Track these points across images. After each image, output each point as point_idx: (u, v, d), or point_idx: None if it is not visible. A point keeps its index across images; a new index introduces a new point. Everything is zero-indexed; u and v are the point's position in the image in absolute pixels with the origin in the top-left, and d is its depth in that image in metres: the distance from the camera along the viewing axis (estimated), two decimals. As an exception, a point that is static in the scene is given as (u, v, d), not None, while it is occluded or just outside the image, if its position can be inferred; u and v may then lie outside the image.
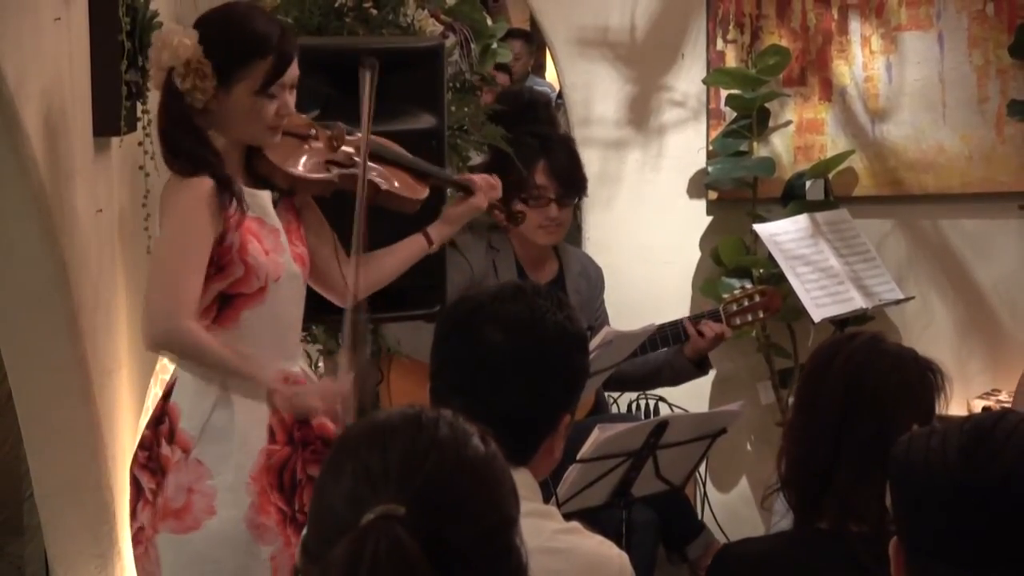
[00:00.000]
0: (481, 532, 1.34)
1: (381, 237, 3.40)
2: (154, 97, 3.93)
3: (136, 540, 3.17)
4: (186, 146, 3.10)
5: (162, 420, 3.15)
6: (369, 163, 3.30)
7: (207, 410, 3.10)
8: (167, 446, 3.11)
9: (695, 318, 4.57)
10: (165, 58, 3.06)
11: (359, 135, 3.30)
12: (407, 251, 3.44)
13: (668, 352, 4.56)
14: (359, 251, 3.22)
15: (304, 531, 1.40)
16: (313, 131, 3.29)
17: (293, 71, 3.15)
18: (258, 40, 3.10)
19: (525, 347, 2.14)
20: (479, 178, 3.51)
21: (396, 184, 3.38)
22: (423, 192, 3.44)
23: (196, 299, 3.06)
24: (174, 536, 3.08)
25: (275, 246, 3.16)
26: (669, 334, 4.52)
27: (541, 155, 4.45)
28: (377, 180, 3.34)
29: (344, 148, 3.31)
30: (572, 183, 4.48)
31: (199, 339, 3.06)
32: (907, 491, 1.55)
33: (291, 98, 3.17)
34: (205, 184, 3.08)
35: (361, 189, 3.23)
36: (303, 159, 3.26)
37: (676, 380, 4.68)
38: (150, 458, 3.15)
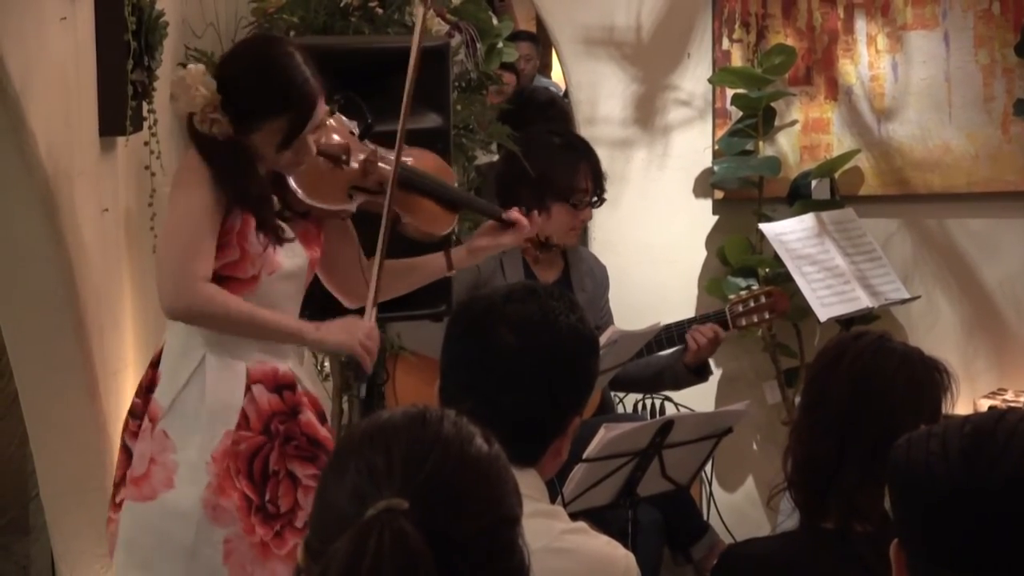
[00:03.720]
0: (484, 528, 1.34)
1: (396, 244, 3.41)
2: (162, 100, 3.95)
3: (121, 508, 3.17)
4: (231, 185, 3.07)
5: (152, 389, 3.16)
6: (403, 193, 3.30)
7: (180, 384, 3.10)
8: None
9: (700, 319, 4.57)
10: (183, 104, 3.06)
11: (391, 157, 3.30)
12: (426, 270, 3.44)
13: (669, 357, 4.56)
14: (380, 267, 3.21)
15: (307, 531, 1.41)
16: (345, 156, 3.26)
17: (317, 117, 3.12)
18: (274, 100, 3.08)
19: (537, 349, 2.14)
20: (517, 216, 3.46)
21: (419, 217, 3.37)
22: (447, 226, 3.44)
23: (210, 264, 3.05)
24: (131, 503, 3.10)
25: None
26: (675, 334, 4.51)
27: (584, 159, 4.47)
28: (400, 211, 3.32)
29: (376, 173, 3.29)
30: (603, 184, 4.52)
31: (223, 300, 3.04)
32: (908, 495, 1.54)
33: (321, 132, 3.16)
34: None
35: (391, 191, 3.22)
36: (324, 186, 3.24)
37: (677, 385, 4.69)
38: (141, 427, 3.15)
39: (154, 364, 3.19)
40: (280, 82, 3.09)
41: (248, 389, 3.12)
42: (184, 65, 4.27)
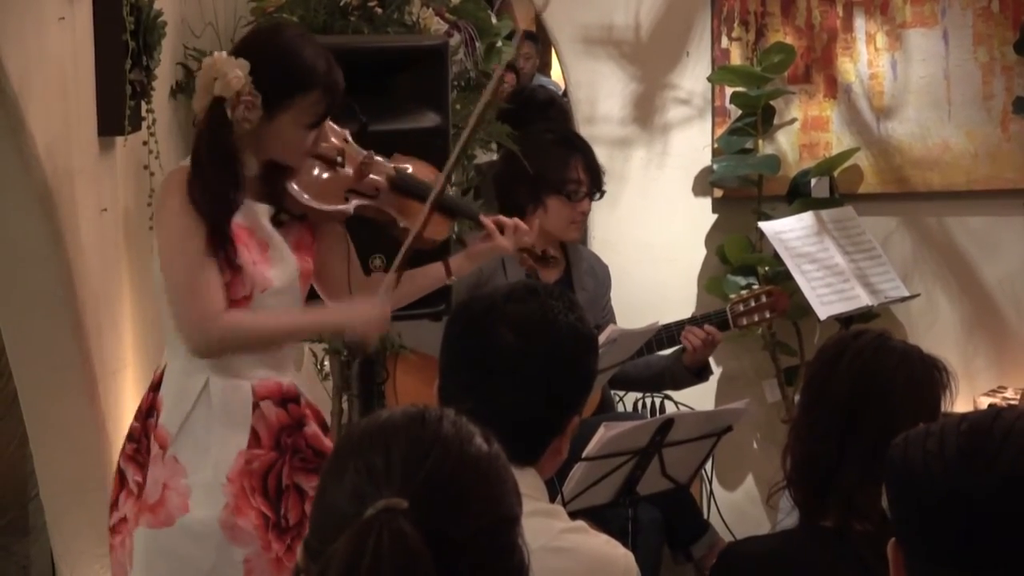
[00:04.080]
0: (483, 528, 1.34)
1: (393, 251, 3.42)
2: (160, 100, 3.95)
3: (116, 530, 3.16)
4: (212, 181, 3.05)
5: (151, 413, 3.14)
6: (399, 198, 3.30)
7: (187, 408, 3.09)
8: (154, 440, 3.12)
9: (702, 319, 4.57)
10: (217, 88, 3.04)
11: (390, 163, 3.31)
12: (426, 280, 3.43)
13: (669, 358, 4.56)
14: (400, 270, 3.23)
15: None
16: (340, 158, 3.26)
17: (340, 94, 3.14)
18: (306, 74, 3.08)
19: (537, 348, 2.13)
20: (511, 222, 3.46)
21: (419, 224, 3.37)
22: (446, 231, 3.44)
23: (220, 290, 3.03)
24: (148, 530, 3.09)
25: (261, 258, 3.12)
26: (675, 333, 4.52)
27: (577, 151, 4.50)
28: (398, 216, 3.32)
29: (371, 177, 3.29)
30: (600, 177, 4.53)
31: (247, 325, 3.06)
32: (906, 494, 1.54)
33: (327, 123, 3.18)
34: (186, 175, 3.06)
35: (426, 215, 3.23)
36: (322, 187, 3.22)
37: (677, 386, 4.70)
38: (138, 451, 3.14)
39: (154, 387, 3.17)
40: (306, 56, 3.09)
41: (256, 406, 3.12)
42: (184, 65, 4.28)
